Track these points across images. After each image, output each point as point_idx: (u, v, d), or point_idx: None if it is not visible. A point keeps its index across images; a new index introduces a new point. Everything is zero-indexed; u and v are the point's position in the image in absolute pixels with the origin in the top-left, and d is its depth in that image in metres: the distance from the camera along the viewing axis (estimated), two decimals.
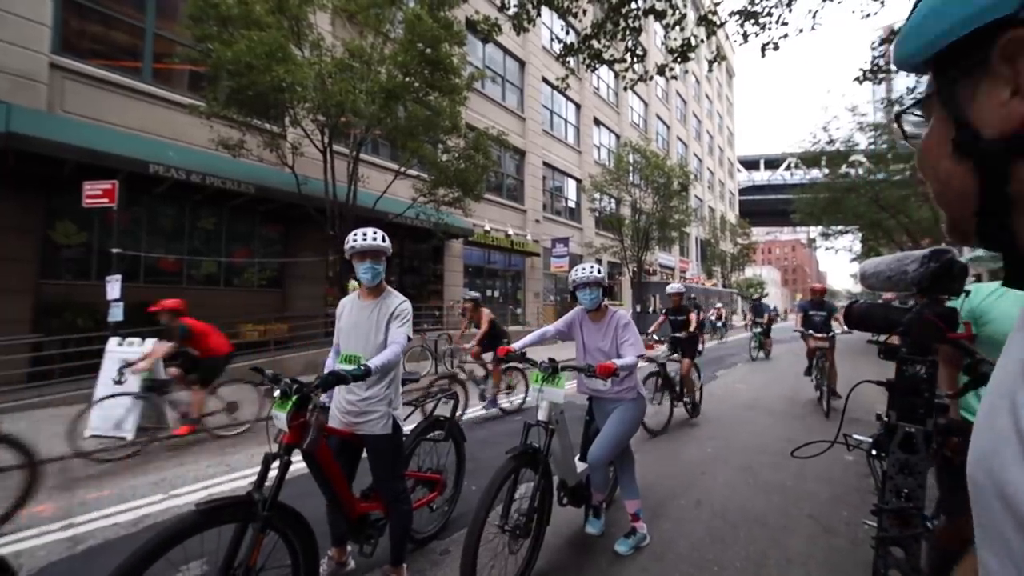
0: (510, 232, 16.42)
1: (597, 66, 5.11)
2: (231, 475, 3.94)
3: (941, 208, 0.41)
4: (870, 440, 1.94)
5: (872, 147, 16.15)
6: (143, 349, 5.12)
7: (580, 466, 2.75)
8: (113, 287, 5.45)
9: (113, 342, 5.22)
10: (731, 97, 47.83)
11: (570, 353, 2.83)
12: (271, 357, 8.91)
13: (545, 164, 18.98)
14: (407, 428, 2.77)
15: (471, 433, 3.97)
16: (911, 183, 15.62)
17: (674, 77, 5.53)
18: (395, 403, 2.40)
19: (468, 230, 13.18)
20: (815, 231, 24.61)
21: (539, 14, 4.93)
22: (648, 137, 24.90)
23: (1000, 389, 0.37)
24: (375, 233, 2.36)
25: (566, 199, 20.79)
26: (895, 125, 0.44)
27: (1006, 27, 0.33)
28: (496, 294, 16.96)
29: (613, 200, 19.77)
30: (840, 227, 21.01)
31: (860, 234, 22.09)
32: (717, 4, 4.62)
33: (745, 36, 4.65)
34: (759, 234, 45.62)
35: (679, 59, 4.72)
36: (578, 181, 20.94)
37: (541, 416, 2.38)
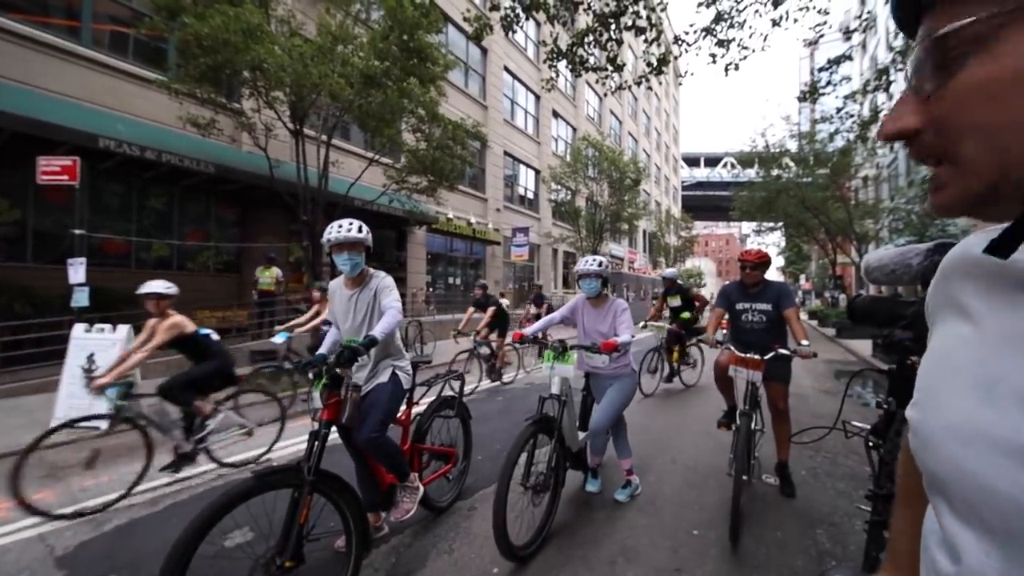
0: (472, 220, 16.59)
1: (582, 72, 5.50)
2: (228, 459, 4.00)
3: (983, 166, 0.33)
4: (868, 428, 2.03)
5: (800, 153, 18.02)
6: (116, 336, 4.91)
7: (580, 435, 3.12)
8: (76, 270, 5.12)
9: (80, 329, 4.96)
10: (677, 96, 50.26)
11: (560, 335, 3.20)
12: (234, 345, 8.61)
13: (506, 154, 19.22)
14: (420, 408, 3.01)
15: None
16: (829, 186, 17.67)
17: (649, 88, 6.03)
18: (395, 356, 2.60)
19: (434, 217, 13.24)
20: (748, 226, 26.95)
21: (528, 18, 5.20)
22: (602, 131, 25.83)
23: (969, 368, 0.37)
24: (351, 224, 2.43)
25: (526, 189, 21.20)
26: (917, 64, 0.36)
27: None
28: (458, 281, 17.13)
29: (570, 192, 20.47)
30: (771, 224, 23.20)
31: (787, 231, 24.54)
32: (691, 25, 5.17)
33: (714, 58, 5.28)
34: (698, 228, 48.85)
35: (655, 72, 5.24)
36: (537, 172, 21.40)
37: (554, 390, 2.69)
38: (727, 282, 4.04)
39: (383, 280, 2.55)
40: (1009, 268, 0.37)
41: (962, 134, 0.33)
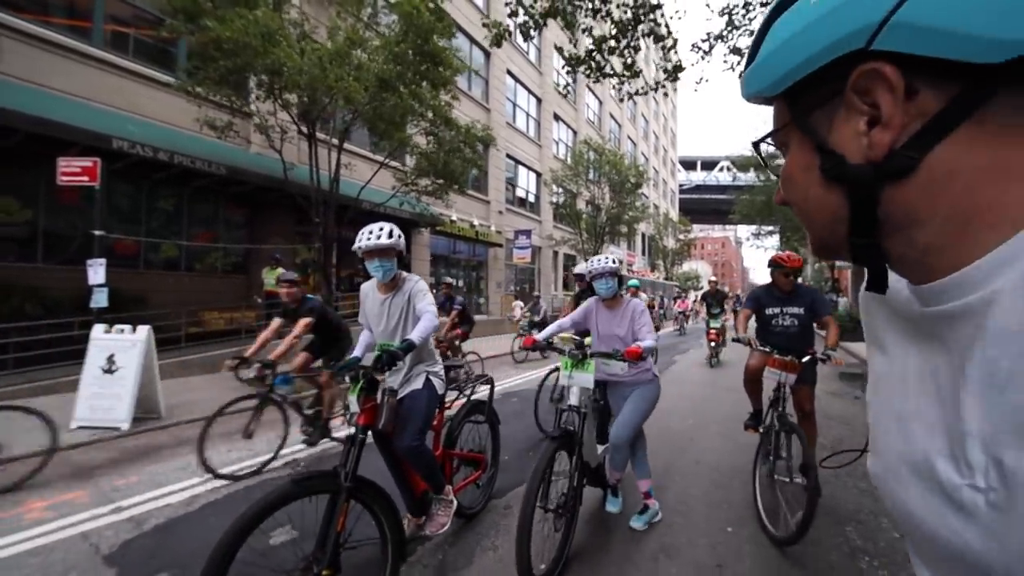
0: (475, 222, 16.65)
1: (599, 79, 5.59)
2: (259, 458, 4.01)
3: (811, 230, 0.42)
4: None
5: None
6: (136, 337, 4.92)
7: (598, 448, 2.91)
8: (96, 271, 5.13)
9: (99, 329, 4.96)
10: (675, 100, 50.66)
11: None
12: (243, 347, 8.61)
13: (508, 156, 19.32)
14: (450, 412, 2.97)
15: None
16: None
17: (665, 94, 6.14)
18: (428, 361, 2.58)
19: (439, 220, 13.30)
20: (744, 230, 27.26)
21: (545, 24, 5.29)
22: (602, 135, 26.00)
23: (890, 402, 0.40)
24: (380, 230, 2.36)
25: (527, 192, 21.30)
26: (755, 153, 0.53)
27: (858, 60, 0.32)
28: (460, 283, 17.18)
29: (571, 195, 20.59)
30: (769, 228, 23.45)
31: (785, 234, 24.81)
32: (708, 33, 5.29)
33: (732, 67, 5.40)
34: (694, 231, 49.20)
35: (671, 78, 5.35)
36: (538, 175, 21.52)
37: (573, 401, 2.50)
38: (757, 287, 3.79)
39: (417, 284, 2.52)
40: (898, 305, 0.40)
41: (793, 207, 0.44)
